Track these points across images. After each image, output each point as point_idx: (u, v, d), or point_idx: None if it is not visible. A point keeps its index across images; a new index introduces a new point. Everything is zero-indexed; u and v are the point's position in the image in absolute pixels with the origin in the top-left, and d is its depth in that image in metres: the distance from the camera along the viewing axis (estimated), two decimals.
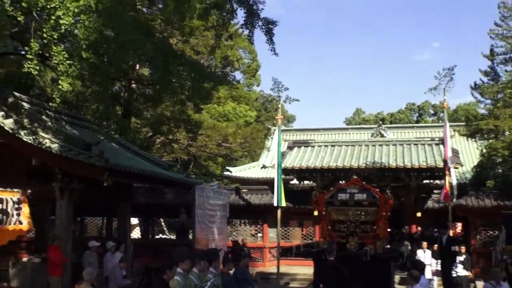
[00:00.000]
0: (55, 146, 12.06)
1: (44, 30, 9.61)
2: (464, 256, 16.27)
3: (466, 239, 22.11)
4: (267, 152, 34.90)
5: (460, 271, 16.06)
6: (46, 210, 16.12)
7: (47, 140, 12.13)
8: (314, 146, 24.98)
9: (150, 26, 11.49)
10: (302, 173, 24.05)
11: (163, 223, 32.88)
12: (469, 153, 32.58)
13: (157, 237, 28.97)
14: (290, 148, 25.15)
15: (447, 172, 19.79)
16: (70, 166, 12.18)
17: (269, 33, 13.00)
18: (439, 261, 17.17)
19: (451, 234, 18.90)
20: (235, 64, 37.37)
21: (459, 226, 24.08)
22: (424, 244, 17.86)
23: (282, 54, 13.63)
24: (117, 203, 17.42)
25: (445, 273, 16.37)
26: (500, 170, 24.72)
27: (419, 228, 22.67)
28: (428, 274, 15.71)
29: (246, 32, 13.62)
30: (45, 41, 9.87)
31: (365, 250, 14.54)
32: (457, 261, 16.24)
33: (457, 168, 23.08)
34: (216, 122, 30.13)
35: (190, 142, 27.47)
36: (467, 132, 24.76)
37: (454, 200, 20.57)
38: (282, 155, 22.55)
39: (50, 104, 13.31)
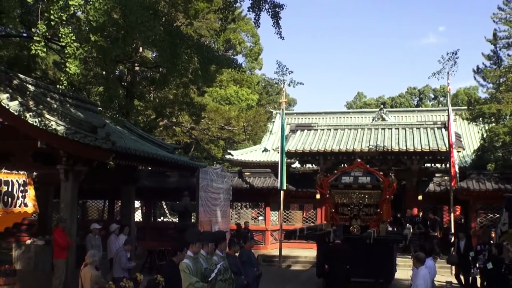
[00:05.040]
0: (61, 129, 12.06)
1: (52, 11, 9.53)
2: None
3: (467, 223, 22.26)
4: (268, 135, 34.85)
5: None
6: (49, 192, 16.15)
7: (52, 123, 12.13)
8: (317, 130, 24.94)
9: (157, 8, 11.38)
10: (305, 156, 24.05)
11: (165, 206, 33.01)
12: (470, 137, 32.58)
13: (159, 220, 29.11)
14: (293, 131, 25.10)
15: (452, 156, 19.76)
16: (76, 149, 12.20)
17: (275, 17, 12.83)
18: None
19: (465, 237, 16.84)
20: (237, 48, 37.26)
21: (457, 209, 24.24)
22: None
23: (284, 37, 13.47)
24: (121, 186, 17.47)
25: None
26: (501, 154, 24.78)
27: (420, 211, 22.77)
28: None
29: (251, 15, 13.44)
30: (52, 23, 9.79)
31: (368, 233, 14.65)
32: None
33: (459, 151, 23.16)
34: (219, 105, 30.13)
35: (193, 125, 27.48)
36: (470, 116, 24.75)
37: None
38: (286, 139, 22.56)
39: (58, 86, 13.24)
